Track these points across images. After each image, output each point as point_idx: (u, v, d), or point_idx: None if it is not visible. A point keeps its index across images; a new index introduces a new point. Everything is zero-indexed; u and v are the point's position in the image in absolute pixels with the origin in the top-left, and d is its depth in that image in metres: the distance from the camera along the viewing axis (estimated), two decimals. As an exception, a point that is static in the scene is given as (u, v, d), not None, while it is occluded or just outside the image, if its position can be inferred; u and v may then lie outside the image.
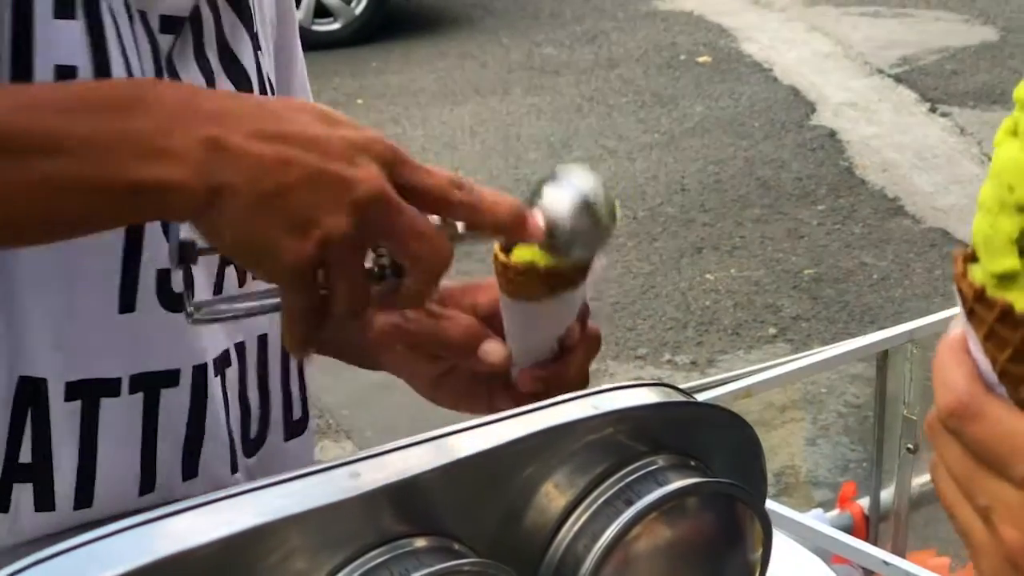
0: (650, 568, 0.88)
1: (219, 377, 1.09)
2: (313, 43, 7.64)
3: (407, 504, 0.80)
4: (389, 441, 0.83)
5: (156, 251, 1.02)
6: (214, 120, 0.84)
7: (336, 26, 8.46)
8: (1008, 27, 8.26)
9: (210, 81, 1.09)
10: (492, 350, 1.07)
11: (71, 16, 0.99)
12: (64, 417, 1.01)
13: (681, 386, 0.98)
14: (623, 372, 4.36)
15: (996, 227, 0.62)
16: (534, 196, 0.95)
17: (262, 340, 1.15)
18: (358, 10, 8.46)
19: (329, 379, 3.33)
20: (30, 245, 0.93)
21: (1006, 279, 0.62)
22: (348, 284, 0.87)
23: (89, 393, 1.02)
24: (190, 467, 1.08)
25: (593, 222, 0.94)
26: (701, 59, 7.91)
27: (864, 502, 2.54)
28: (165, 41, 1.05)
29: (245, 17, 1.13)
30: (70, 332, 1.01)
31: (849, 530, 2.40)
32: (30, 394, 1.00)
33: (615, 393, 0.90)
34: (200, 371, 1.07)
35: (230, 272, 1.10)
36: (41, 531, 1.02)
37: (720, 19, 8.70)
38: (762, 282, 5.06)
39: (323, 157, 0.84)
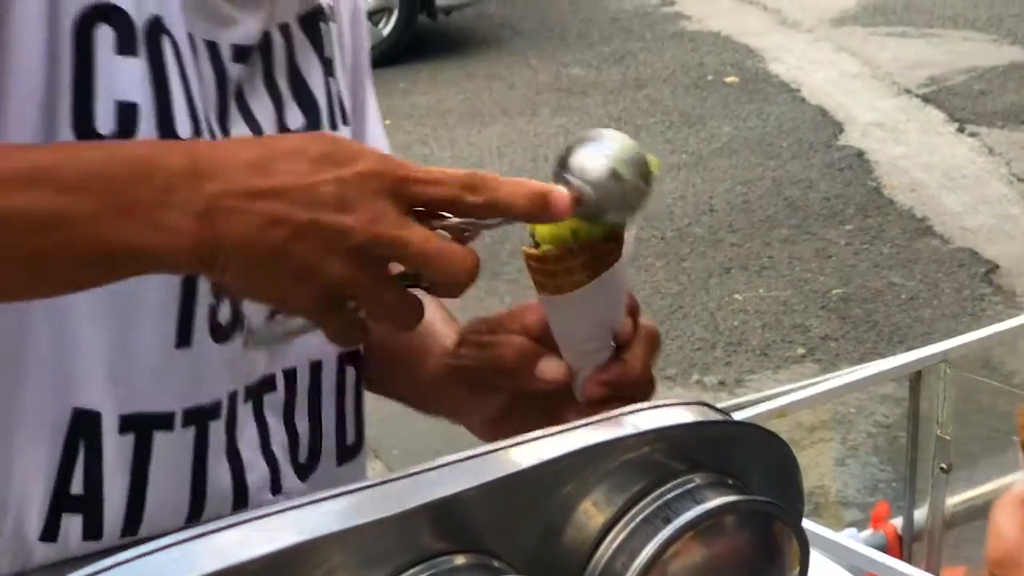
0: (688, 586, 0.88)
1: (249, 403, 1.09)
2: (341, 64, 7.66)
3: (447, 522, 0.81)
4: (417, 461, 0.83)
5: (209, 285, 1.02)
6: (211, 179, 0.84)
7: (364, 47, 8.49)
8: (1036, 47, 8.26)
9: (279, 107, 1.09)
10: (550, 367, 1.04)
11: (133, 53, 0.99)
12: (116, 450, 1.01)
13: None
14: (652, 392, 4.35)
15: None
16: (562, 162, 0.92)
17: (315, 367, 1.14)
18: (386, 31, 8.48)
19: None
20: (10, 302, 0.93)
21: None
22: (374, 304, 0.88)
23: (143, 427, 1.02)
24: (239, 494, 1.08)
25: (624, 179, 0.90)
26: (729, 79, 7.91)
27: (897, 522, 2.53)
28: (235, 70, 1.06)
29: (316, 41, 1.13)
30: (126, 366, 1.00)
31: (883, 549, 2.40)
32: (84, 426, 1.00)
33: (653, 412, 0.90)
34: (231, 398, 1.07)
35: None
36: (87, 551, 1.01)
37: (747, 39, 8.70)
38: (790, 302, 5.06)
39: (312, 208, 0.83)
